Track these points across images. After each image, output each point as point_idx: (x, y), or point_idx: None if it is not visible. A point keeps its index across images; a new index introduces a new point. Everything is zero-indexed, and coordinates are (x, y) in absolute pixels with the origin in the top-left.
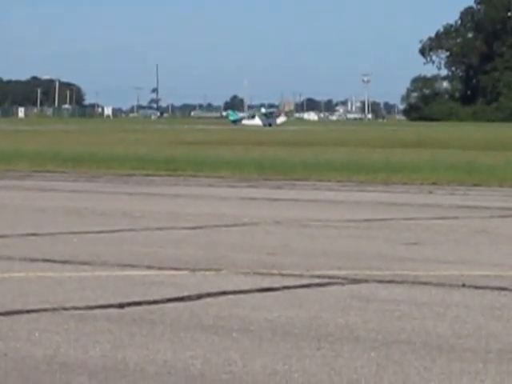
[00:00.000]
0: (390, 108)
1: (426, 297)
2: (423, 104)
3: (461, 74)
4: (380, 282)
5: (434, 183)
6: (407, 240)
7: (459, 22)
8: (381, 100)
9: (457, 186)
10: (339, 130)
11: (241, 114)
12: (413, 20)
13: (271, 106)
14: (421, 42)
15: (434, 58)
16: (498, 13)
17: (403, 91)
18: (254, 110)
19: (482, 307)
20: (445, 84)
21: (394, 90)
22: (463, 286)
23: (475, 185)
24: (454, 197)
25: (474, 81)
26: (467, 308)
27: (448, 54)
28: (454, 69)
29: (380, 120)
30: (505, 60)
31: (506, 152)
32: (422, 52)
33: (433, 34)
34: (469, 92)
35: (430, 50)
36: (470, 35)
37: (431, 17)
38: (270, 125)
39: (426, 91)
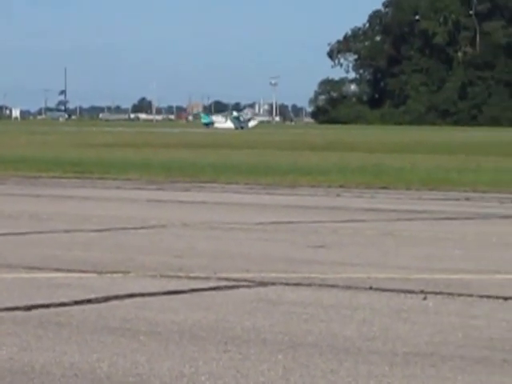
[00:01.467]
0: (298, 111)
1: (333, 299)
2: (331, 107)
3: (369, 77)
4: (287, 284)
5: (341, 186)
6: (314, 243)
7: (367, 25)
8: (289, 103)
9: (364, 189)
10: (248, 132)
11: (213, 117)
12: (321, 23)
13: (179, 108)
14: (329, 44)
15: (341, 60)
16: (405, 16)
17: (311, 94)
18: (226, 113)
19: (389, 310)
20: (353, 87)
21: (302, 93)
22: (370, 288)
23: (382, 187)
24: (362, 199)
25: (382, 84)
26: (374, 311)
27: (356, 56)
28: (361, 72)
29: (288, 123)
30: (412, 63)
31: (413, 155)
32: (330, 55)
33: (341, 37)
34: (376, 95)
35: (338, 52)
36: (377, 38)
37: (339, 20)
38: (242, 128)
39: (334, 94)
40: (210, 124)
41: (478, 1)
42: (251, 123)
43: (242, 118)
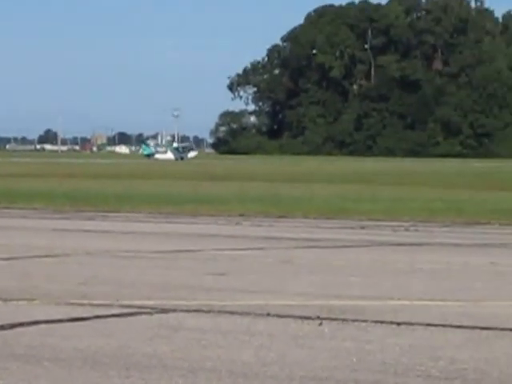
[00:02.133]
0: (199, 142)
1: (232, 326)
2: (231, 138)
3: (268, 108)
4: (187, 311)
5: (241, 215)
6: (214, 270)
7: (266, 58)
8: (190, 134)
9: (263, 218)
10: (150, 163)
11: (153, 149)
12: (222, 56)
13: (84, 139)
14: (229, 78)
15: (241, 93)
16: (303, 50)
17: (212, 125)
18: (166, 144)
19: (286, 335)
20: (252, 119)
21: (204, 125)
22: (268, 315)
23: (281, 216)
24: (261, 228)
25: (281, 115)
26: (271, 336)
27: (255, 89)
28: (261, 104)
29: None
30: (309, 95)
31: (310, 184)
32: (230, 88)
33: (241, 71)
34: (275, 126)
35: (238, 85)
36: (276, 72)
37: (239, 53)
38: (182, 158)
39: (234, 125)
40: (151, 155)
41: (372, 35)
42: (190, 154)
43: (181, 149)
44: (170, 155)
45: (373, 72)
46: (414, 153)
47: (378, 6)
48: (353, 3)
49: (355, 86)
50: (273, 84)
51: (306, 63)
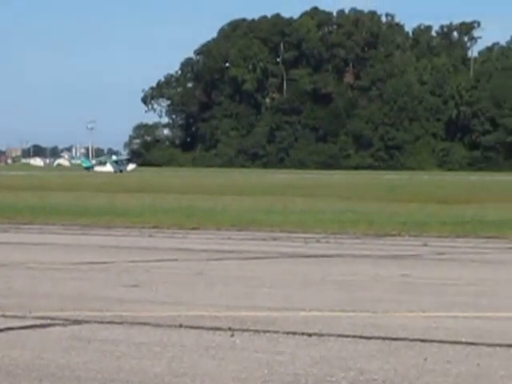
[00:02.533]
0: (113, 154)
1: (145, 337)
2: (145, 150)
3: (181, 121)
4: (100, 322)
5: (154, 227)
6: (127, 282)
7: (180, 72)
8: (105, 146)
9: (176, 230)
10: (65, 175)
11: (93, 161)
12: (137, 69)
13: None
14: (143, 91)
15: (155, 106)
16: (216, 63)
17: (126, 138)
18: (105, 156)
19: (198, 347)
20: (166, 131)
21: (118, 137)
22: (180, 326)
23: (194, 228)
24: (174, 240)
25: (194, 128)
26: (184, 347)
27: (169, 102)
28: (174, 117)
29: None
30: (223, 108)
31: (223, 196)
32: (144, 100)
33: (154, 84)
34: (189, 139)
35: (152, 98)
36: (189, 85)
37: (153, 67)
38: (121, 171)
39: (148, 138)
40: (90, 168)
41: (285, 49)
42: (129, 167)
43: (120, 162)
44: (109, 168)
45: (285, 85)
46: (326, 165)
47: (290, 19)
48: (265, 17)
49: (268, 99)
50: (186, 97)
51: (219, 76)
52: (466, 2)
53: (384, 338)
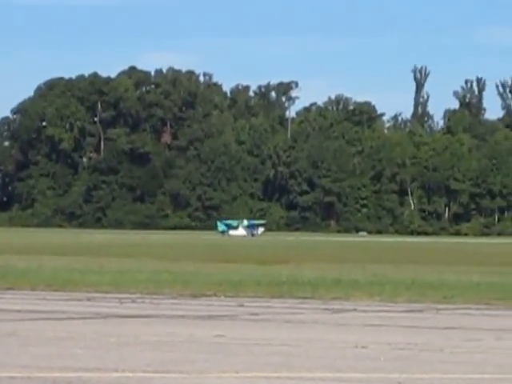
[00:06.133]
0: None
1: None
2: None
3: None
4: None
5: None
6: None
7: None
8: None
9: None
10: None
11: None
12: None
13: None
14: None
15: None
16: (33, 122)
17: None
18: (237, 221)
19: None
20: None
21: None
22: None
23: (8, 288)
24: None
25: (10, 188)
26: None
27: None
28: None
29: None
30: (39, 168)
31: (39, 256)
32: None
33: None
34: (5, 198)
35: None
36: (6, 143)
37: None
38: (252, 235)
39: None
40: (225, 232)
41: (102, 108)
42: (259, 230)
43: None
44: (241, 232)
45: (102, 145)
46: (144, 225)
47: (108, 78)
48: (83, 76)
49: (85, 159)
50: (2, 156)
51: (36, 135)
52: (283, 63)
53: None
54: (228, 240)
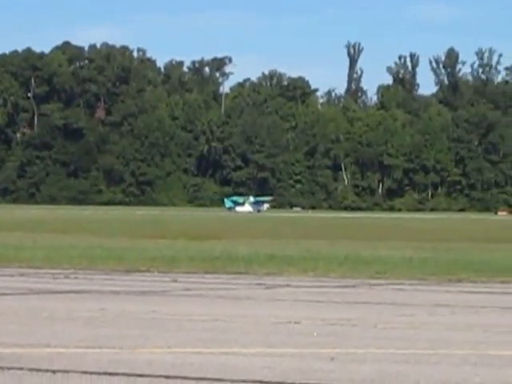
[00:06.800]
0: None
1: None
2: None
3: None
4: None
5: None
6: None
7: None
8: None
9: None
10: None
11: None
12: None
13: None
14: None
15: None
16: None
17: None
18: (244, 197)
19: None
20: None
21: None
22: None
23: None
24: None
25: None
26: None
27: None
28: None
29: None
30: None
31: None
32: None
33: None
34: None
35: None
36: None
37: None
38: (258, 211)
39: None
40: (232, 208)
41: (36, 84)
42: (265, 206)
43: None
44: (248, 208)
45: (36, 120)
46: (78, 200)
47: (42, 54)
48: (16, 51)
49: (18, 134)
50: None
51: None
52: (217, 38)
53: (129, 375)
54: (158, 216)
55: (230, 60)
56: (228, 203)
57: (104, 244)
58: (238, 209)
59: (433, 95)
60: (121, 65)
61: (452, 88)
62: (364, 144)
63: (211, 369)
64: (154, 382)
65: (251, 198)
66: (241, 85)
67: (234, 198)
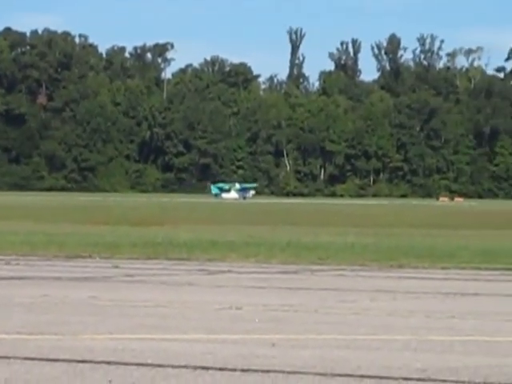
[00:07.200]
0: None
1: None
2: None
3: None
4: None
5: None
6: None
7: None
8: None
9: None
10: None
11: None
12: None
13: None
14: None
15: None
16: None
17: None
18: (229, 184)
19: None
20: None
21: None
22: None
23: None
24: None
25: None
26: None
27: None
28: None
29: None
30: None
31: None
32: None
33: None
34: None
35: None
36: None
37: None
38: (244, 198)
39: None
40: (218, 195)
41: None
42: (250, 193)
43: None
44: (233, 194)
45: None
46: (19, 186)
47: None
48: None
49: None
50: None
51: None
52: (159, 24)
53: (70, 361)
54: (100, 202)
55: (172, 46)
56: (214, 190)
57: (45, 230)
58: (224, 195)
59: (375, 81)
60: (63, 51)
61: (394, 74)
62: (306, 130)
63: (152, 355)
64: (95, 367)
65: (237, 185)
66: (183, 71)
67: (220, 185)
